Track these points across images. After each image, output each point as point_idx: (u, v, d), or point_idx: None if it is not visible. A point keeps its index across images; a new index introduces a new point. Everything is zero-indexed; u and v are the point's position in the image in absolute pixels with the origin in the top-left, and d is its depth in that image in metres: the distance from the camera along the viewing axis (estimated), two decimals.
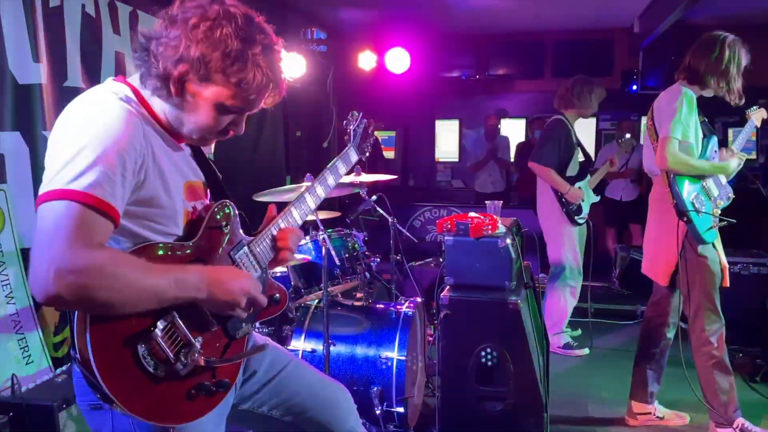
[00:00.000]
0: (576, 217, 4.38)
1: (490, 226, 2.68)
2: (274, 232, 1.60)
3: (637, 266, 5.67)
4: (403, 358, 2.95)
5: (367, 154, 2.05)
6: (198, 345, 1.31)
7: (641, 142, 6.99)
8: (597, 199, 4.57)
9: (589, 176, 4.53)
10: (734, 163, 3.10)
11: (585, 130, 8.09)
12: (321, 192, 1.79)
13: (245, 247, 1.51)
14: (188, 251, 1.36)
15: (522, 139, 8.24)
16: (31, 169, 3.06)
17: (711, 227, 2.97)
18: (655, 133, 3.06)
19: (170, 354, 1.26)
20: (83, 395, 1.36)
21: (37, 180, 3.09)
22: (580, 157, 4.54)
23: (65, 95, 3.28)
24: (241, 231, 1.52)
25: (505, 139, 7.77)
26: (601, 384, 3.99)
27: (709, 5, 5.84)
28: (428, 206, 6.85)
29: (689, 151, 2.97)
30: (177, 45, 1.26)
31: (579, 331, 4.86)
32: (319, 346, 3.03)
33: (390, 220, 3.74)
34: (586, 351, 4.51)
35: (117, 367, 1.20)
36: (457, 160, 8.87)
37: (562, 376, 4.06)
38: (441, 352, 2.75)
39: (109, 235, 1.20)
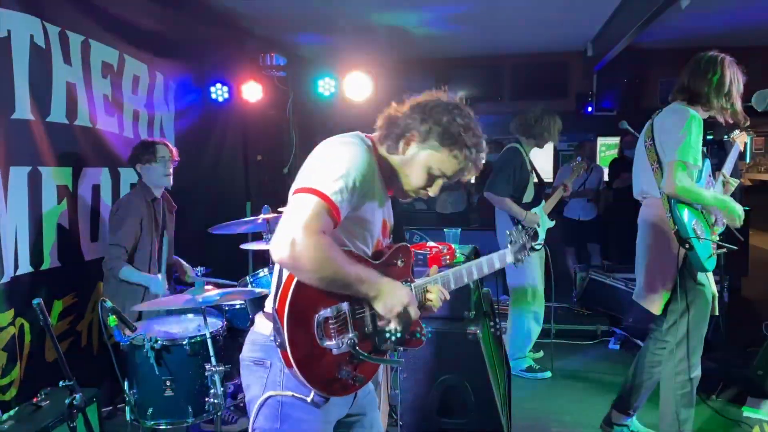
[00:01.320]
0: (533, 244, 4.39)
1: (448, 256, 2.69)
2: (431, 285, 1.88)
3: (597, 286, 5.81)
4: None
5: (520, 264, 2.38)
6: (354, 335, 1.61)
7: (599, 162, 7.16)
8: (552, 224, 4.61)
9: (543, 202, 4.57)
10: (739, 209, 2.96)
11: (543, 152, 8.24)
12: (476, 274, 2.09)
13: (408, 284, 1.81)
14: (371, 267, 1.70)
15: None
16: None
17: (711, 255, 2.89)
18: (656, 154, 2.96)
19: (334, 333, 1.59)
20: (252, 352, 1.74)
21: None
22: (535, 181, 4.59)
23: (12, 128, 3.20)
24: (410, 272, 1.87)
25: None
26: (564, 407, 4.01)
27: (658, 30, 6.04)
28: None
29: (693, 176, 2.88)
30: (416, 118, 1.72)
31: (541, 353, 4.89)
32: None
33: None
34: (548, 374, 4.53)
35: (300, 324, 1.55)
36: None
37: (525, 399, 4.07)
38: (402, 385, 2.72)
39: (330, 231, 1.57)
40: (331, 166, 1.60)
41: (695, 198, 2.83)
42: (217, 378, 2.79)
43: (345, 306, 1.62)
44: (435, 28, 6.63)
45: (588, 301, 5.83)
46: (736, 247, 2.97)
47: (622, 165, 7.12)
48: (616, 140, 8.24)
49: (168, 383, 2.93)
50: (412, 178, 1.76)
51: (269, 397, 1.68)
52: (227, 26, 6.03)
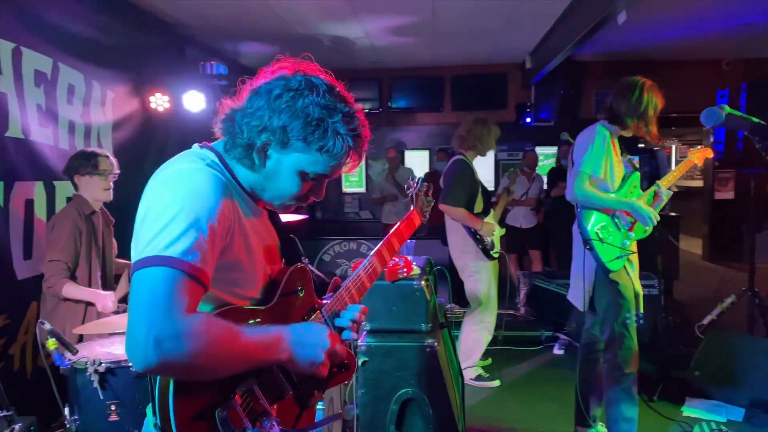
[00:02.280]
0: (491, 252, 4.47)
1: (405, 269, 2.68)
2: (347, 300, 1.58)
3: (540, 292, 5.95)
4: (320, 407, 2.87)
5: (427, 216, 2.03)
6: (273, 413, 1.31)
7: (538, 172, 7.36)
8: (503, 231, 4.69)
9: (492, 210, 4.64)
10: (646, 208, 3.12)
11: (484, 162, 8.40)
12: (388, 256, 1.78)
13: (317, 312, 1.51)
14: (265, 317, 1.37)
15: (427, 170, 8.42)
16: None
17: (618, 257, 3.10)
18: (572, 166, 3.21)
19: (247, 423, 1.24)
20: None
21: None
22: (482, 195, 4.66)
23: None
24: (314, 296, 1.54)
25: (409, 171, 7.91)
26: (514, 413, 4.07)
27: (594, 44, 6.27)
28: (337, 239, 6.81)
29: (603, 187, 3.11)
30: (261, 115, 1.30)
31: (489, 360, 4.95)
32: None
33: (303, 260, 3.66)
34: (498, 382, 4.59)
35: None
36: (364, 191, 8.92)
37: (475, 408, 4.11)
38: (360, 400, 2.69)
39: (200, 300, 1.20)
40: (172, 216, 1.18)
41: (595, 201, 3.09)
42: None
43: (250, 382, 1.28)
44: (378, 39, 6.67)
45: (532, 307, 5.97)
46: (635, 251, 3.21)
47: (559, 174, 7.34)
48: (554, 150, 8.50)
49: (113, 408, 2.79)
50: (283, 189, 1.37)
51: None
52: (166, 34, 5.86)
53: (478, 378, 4.58)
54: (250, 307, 1.37)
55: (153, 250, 1.15)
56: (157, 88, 5.29)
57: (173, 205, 1.20)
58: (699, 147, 3.49)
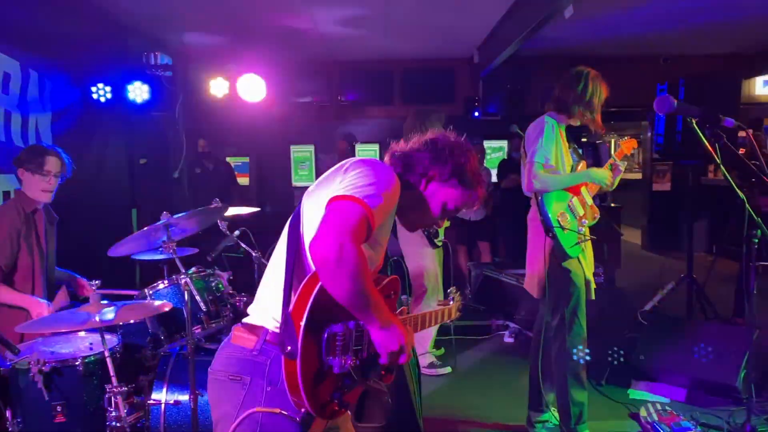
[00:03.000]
0: (435, 240, 4.54)
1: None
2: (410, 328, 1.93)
3: (490, 282, 6.05)
4: None
5: (459, 316, 2.41)
6: (355, 358, 1.63)
7: (486, 165, 7.46)
8: (447, 223, 4.76)
9: None
10: (601, 171, 3.35)
11: None
12: (428, 323, 2.18)
13: (401, 313, 1.90)
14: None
15: None
16: None
17: (576, 244, 3.21)
18: (525, 158, 3.28)
19: (338, 350, 1.58)
20: (227, 365, 1.68)
21: None
22: None
23: None
24: (396, 307, 1.91)
25: None
26: (467, 401, 4.13)
27: (540, 40, 6.39)
28: None
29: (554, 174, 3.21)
30: (435, 157, 1.85)
31: (442, 350, 5.01)
32: (184, 397, 2.82)
33: (254, 255, 3.61)
34: (449, 369, 4.66)
35: (312, 333, 1.54)
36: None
37: (430, 396, 4.15)
38: None
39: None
40: (374, 183, 1.63)
41: (555, 184, 3.18)
42: (120, 399, 2.59)
43: (352, 324, 1.60)
44: (328, 30, 6.61)
45: (482, 297, 6.06)
46: (595, 237, 3.32)
47: (509, 166, 7.48)
48: (501, 143, 8.64)
49: (59, 408, 2.68)
50: (430, 211, 1.88)
51: (250, 414, 1.60)
52: (108, 23, 5.65)
53: (431, 366, 4.63)
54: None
55: (357, 194, 1.58)
56: (99, 78, 5.10)
57: (378, 178, 1.66)
58: (626, 137, 3.65)
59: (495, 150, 8.82)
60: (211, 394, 1.73)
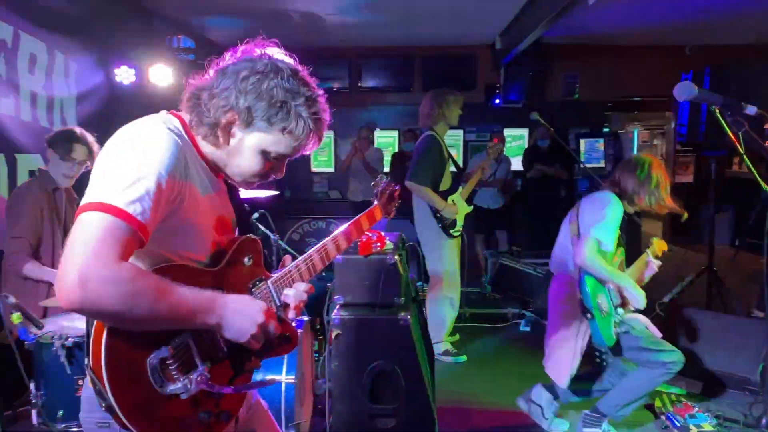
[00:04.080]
0: (451, 231, 4.53)
1: (378, 243, 2.69)
2: (296, 278, 1.61)
3: (507, 271, 6.04)
4: (293, 380, 2.87)
5: (392, 215, 2.12)
6: (205, 370, 1.33)
7: (505, 153, 7.42)
8: (470, 209, 4.74)
9: (461, 188, 4.69)
10: (638, 290, 3.08)
11: (453, 143, 8.45)
12: (344, 244, 1.84)
13: (264, 283, 1.54)
14: (208, 278, 1.40)
15: (395, 150, 8.43)
16: None
17: (613, 330, 3.05)
18: (577, 229, 3.16)
19: (177, 374, 1.29)
20: (91, 412, 1.38)
21: None
22: (452, 169, 4.70)
23: None
24: (263, 268, 1.57)
25: (378, 151, 7.91)
26: (481, 388, 4.15)
27: (564, 27, 6.33)
28: (306, 219, 6.77)
29: (605, 256, 3.05)
30: (227, 96, 1.38)
31: (457, 336, 5.03)
32: None
33: (273, 237, 3.65)
34: (464, 358, 4.67)
35: (126, 378, 1.23)
36: (333, 170, 8.88)
37: (444, 383, 4.16)
38: (332, 374, 2.71)
39: (134, 252, 1.25)
40: (123, 169, 1.24)
41: (601, 272, 3.01)
42: None
43: (185, 337, 1.32)
44: (349, 16, 6.60)
45: (499, 285, 6.06)
46: (609, 347, 3.10)
47: (535, 155, 7.44)
48: (522, 131, 8.57)
49: (81, 383, 2.75)
50: (245, 167, 1.46)
51: None
52: (133, 5, 5.70)
53: (446, 353, 4.65)
54: (195, 266, 1.40)
55: (99, 196, 1.21)
56: (122, 60, 5.16)
57: (126, 159, 1.26)
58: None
59: (516, 138, 8.76)
60: None
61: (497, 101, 8.25)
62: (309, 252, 1.69)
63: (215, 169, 1.49)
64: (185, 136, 1.41)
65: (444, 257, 4.54)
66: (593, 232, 3.02)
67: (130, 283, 1.17)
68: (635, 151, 10.46)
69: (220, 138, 1.42)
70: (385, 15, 6.63)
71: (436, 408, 2.88)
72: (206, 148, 1.45)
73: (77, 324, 2.96)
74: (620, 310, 3.12)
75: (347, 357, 2.68)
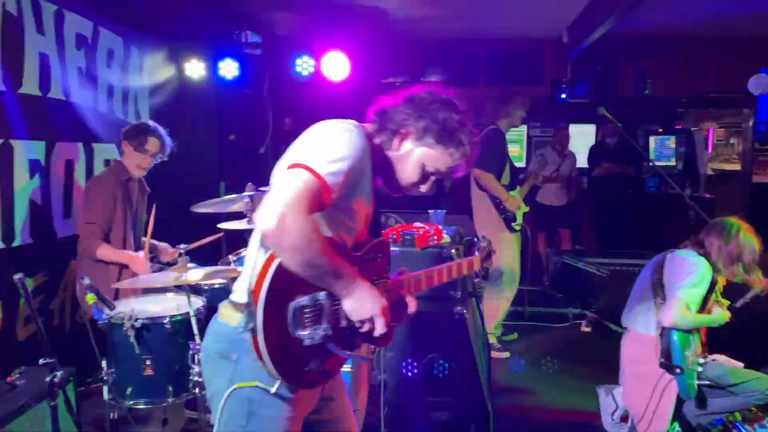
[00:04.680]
0: (513, 224, 4.49)
1: (435, 236, 2.69)
2: (406, 293, 1.88)
3: (569, 270, 5.91)
4: (349, 369, 2.91)
5: (484, 273, 2.40)
6: (329, 329, 1.56)
7: (570, 149, 7.25)
8: (527, 208, 4.71)
9: (519, 186, 4.66)
10: (720, 318, 3.07)
11: (516, 139, 8.31)
12: (445, 277, 2.12)
13: (384, 282, 1.80)
14: (349, 260, 1.63)
15: None
16: None
17: (695, 381, 2.98)
18: (661, 288, 3.05)
19: (308, 323, 1.53)
20: (215, 343, 1.68)
21: None
22: (510, 169, 4.67)
23: None
24: (387, 269, 1.84)
25: None
26: (541, 389, 4.07)
27: (635, 20, 6.10)
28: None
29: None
30: (411, 114, 1.71)
31: (515, 335, 4.96)
32: None
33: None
34: (507, 354, 4.60)
35: (274, 310, 1.49)
36: None
37: (499, 379, 4.13)
38: (388, 364, 2.73)
39: (316, 212, 1.53)
40: (329, 148, 1.56)
41: (692, 325, 2.94)
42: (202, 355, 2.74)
43: (322, 296, 1.56)
44: (414, 10, 6.59)
45: (560, 284, 5.94)
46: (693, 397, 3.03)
47: (602, 152, 7.23)
48: (588, 127, 8.34)
49: (148, 362, 2.88)
50: (406, 173, 1.75)
51: (235, 390, 1.61)
52: (203, 2, 5.87)
53: (491, 347, 4.60)
54: (343, 246, 1.68)
55: (307, 161, 1.51)
56: (192, 54, 5.33)
57: (334, 141, 1.58)
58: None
59: (582, 134, 8.54)
60: (204, 373, 1.74)
61: (563, 96, 8.04)
62: (419, 272, 1.97)
63: (376, 175, 1.77)
64: (368, 143, 1.69)
65: (502, 251, 4.49)
66: (680, 294, 2.90)
67: (311, 232, 1.45)
68: (710, 150, 10.03)
69: (393, 144, 1.72)
70: (451, 8, 6.58)
71: (491, 407, 2.86)
72: (378, 156, 1.74)
73: (148, 307, 3.10)
74: (700, 359, 3.02)
75: (402, 349, 2.69)
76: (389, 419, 2.80)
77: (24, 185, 3.41)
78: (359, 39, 7.02)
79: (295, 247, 1.44)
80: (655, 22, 6.93)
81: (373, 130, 1.74)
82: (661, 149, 7.90)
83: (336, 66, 5.64)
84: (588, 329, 5.29)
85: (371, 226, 1.83)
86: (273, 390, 1.57)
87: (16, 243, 3.36)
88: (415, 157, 1.72)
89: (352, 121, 1.71)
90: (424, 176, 1.76)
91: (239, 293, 1.67)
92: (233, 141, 6.57)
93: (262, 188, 3.34)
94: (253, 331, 1.48)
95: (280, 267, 1.48)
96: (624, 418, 3.37)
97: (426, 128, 1.69)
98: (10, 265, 3.26)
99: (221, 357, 1.64)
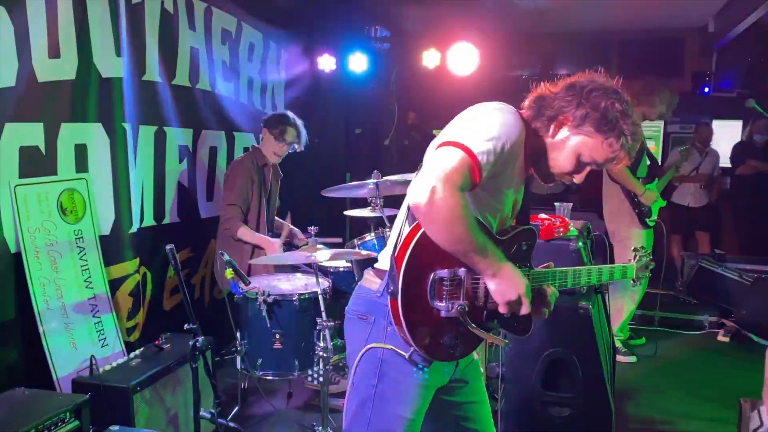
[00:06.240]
0: (647, 219, 4.26)
1: (561, 228, 2.63)
2: (548, 284, 1.82)
3: (706, 275, 5.50)
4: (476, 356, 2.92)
5: (638, 282, 2.18)
6: (466, 304, 1.57)
7: (712, 146, 6.73)
8: (664, 203, 4.42)
9: (657, 180, 4.39)
10: None
11: (652, 135, 7.84)
12: (594, 279, 2.00)
13: (525, 269, 1.73)
14: (494, 242, 1.62)
15: None
16: (110, 159, 3.17)
17: None
18: None
19: (446, 295, 1.56)
20: (357, 305, 1.75)
21: (116, 170, 3.20)
22: (647, 161, 4.41)
23: (143, 89, 3.39)
24: (530, 257, 1.79)
25: None
26: (672, 400, 3.80)
27: None
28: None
29: None
30: (570, 101, 1.64)
31: (643, 340, 4.71)
32: None
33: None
34: (635, 359, 4.38)
35: (415, 276, 1.54)
36: None
37: (625, 383, 3.94)
38: (506, 357, 2.71)
39: (466, 190, 1.53)
40: (483, 127, 1.56)
41: None
42: (327, 332, 2.88)
43: (462, 271, 1.57)
44: (542, 1, 6.42)
45: (696, 290, 5.54)
46: None
47: (747, 150, 6.65)
48: (734, 123, 7.69)
49: (277, 336, 3.07)
50: (560, 162, 1.68)
51: (369, 350, 1.67)
52: None
53: (617, 351, 4.38)
54: (489, 228, 1.66)
55: (462, 139, 1.52)
56: (325, 49, 5.55)
57: (489, 121, 1.58)
58: None
59: (727, 130, 7.89)
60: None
61: (706, 89, 7.47)
62: (565, 269, 1.88)
63: (529, 163, 1.72)
64: (524, 127, 1.66)
65: (631, 247, 4.27)
66: None
67: (461, 207, 1.46)
68: None
69: (550, 131, 1.66)
70: None
71: (614, 402, 2.74)
72: (532, 142, 1.68)
73: (280, 284, 3.29)
74: None
75: (522, 341, 2.65)
76: (506, 413, 2.78)
77: (173, 168, 3.74)
78: (485, 31, 6.96)
79: (445, 222, 1.46)
80: None
81: (530, 116, 1.69)
82: None
83: (462, 59, 5.62)
84: (726, 339, 4.90)
85: (520, 215, 1.82)
86: (407, 355, 1.61)
87: (165, 221, 3.70)
88: (570, 145, 1.65)
89: (507, 104, 1.69)
90: (579, 166, 1.68)
91: (383, 261, 1.72)
92: (359, 134, 6.76)
93: (388, 177, 3.44)
94: (393, 294, 1.53)
95: (423, 237, 1.52)
96: None
97: (585, 116, 1.62)
98: (160, 240, 3.59)
99: (360, 318, 1.71)
